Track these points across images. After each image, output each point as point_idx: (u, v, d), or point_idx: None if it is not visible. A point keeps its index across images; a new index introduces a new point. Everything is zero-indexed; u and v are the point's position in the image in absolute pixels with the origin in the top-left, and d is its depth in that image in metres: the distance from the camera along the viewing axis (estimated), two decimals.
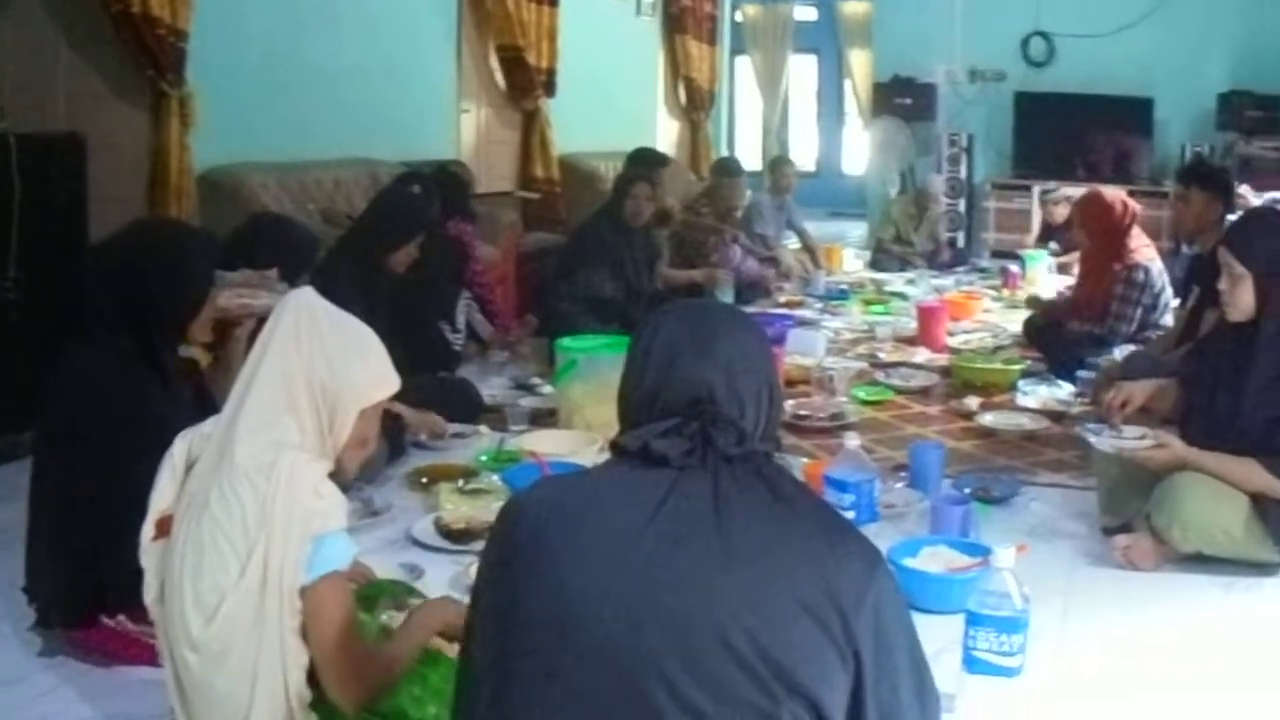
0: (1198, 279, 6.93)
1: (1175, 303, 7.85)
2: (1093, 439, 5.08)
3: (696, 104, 16.02)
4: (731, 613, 2.09)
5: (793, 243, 12.82)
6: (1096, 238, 8.18)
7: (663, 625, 2.09)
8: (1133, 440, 4.91)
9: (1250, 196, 11.29)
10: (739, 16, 20.58)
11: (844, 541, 2.21)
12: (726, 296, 9.63)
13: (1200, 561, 4.79)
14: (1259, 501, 4.66)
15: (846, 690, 2.15)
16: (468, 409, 6.72)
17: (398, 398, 3.29)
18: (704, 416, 2.23)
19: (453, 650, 3.07)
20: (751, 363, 2.32)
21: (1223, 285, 4.82)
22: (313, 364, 2.94)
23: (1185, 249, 7.88)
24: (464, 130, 11.35)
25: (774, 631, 2.09)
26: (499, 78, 11.76)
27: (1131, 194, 8.78)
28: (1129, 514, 5.08)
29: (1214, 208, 7.15)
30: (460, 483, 5.49)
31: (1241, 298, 4.76)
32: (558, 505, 2.23)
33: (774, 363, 2.43)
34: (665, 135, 15.45)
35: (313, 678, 2.90)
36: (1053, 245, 12.30)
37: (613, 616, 2.11)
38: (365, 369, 3.03)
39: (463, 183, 8.90)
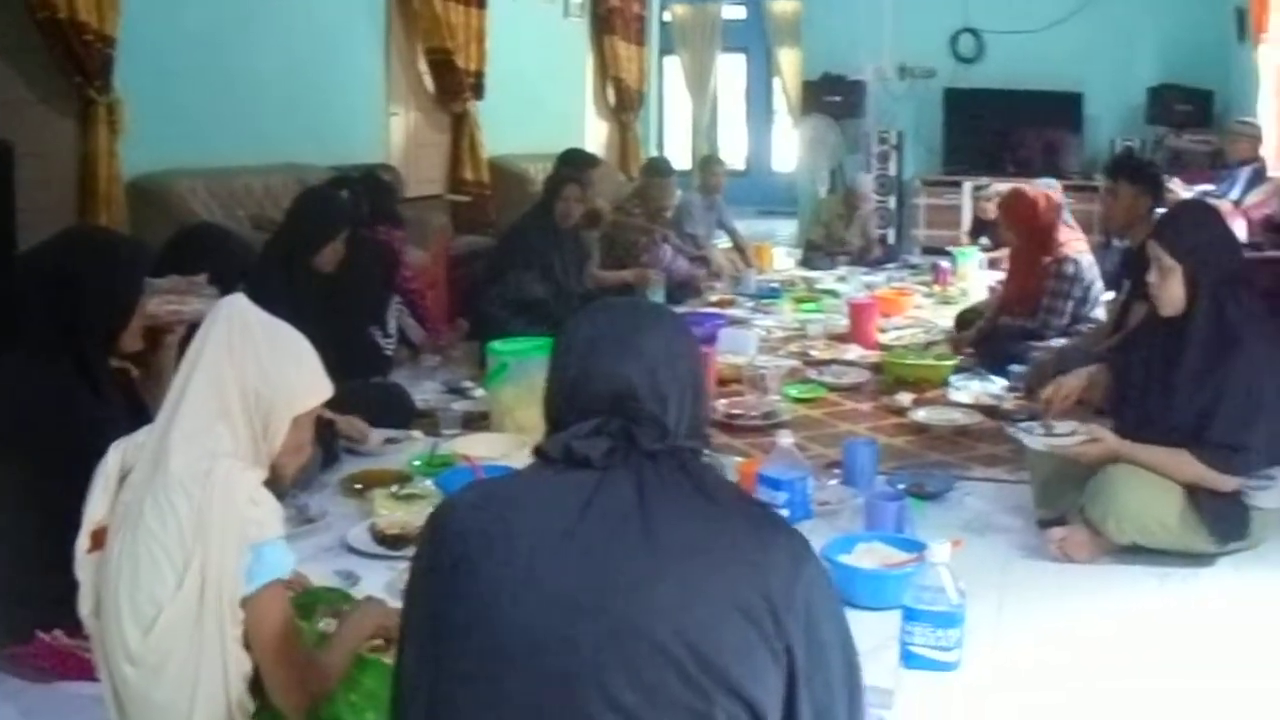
0: (1129, 272, 6.99)
1: (1108, 296, 7.91)
2: (1025, 438, 5.11)
3: (625, 104, 16.00)
4: (663, 615, 2.09)
5: (723, 242, 12.84)
6: (1023, 234, 8.27)
7: (594, 630, 2.09)
8: (1065, 437, 4.95)
9: (1180, 190, 11.39)
10: (667, 16, 20.56)
11: (772, 537, 2.22)
12: (658, 296, 9.63)
13: (1135, 553, 4.83)
14: (1193, 492, 4.71)
15: (781, 687, 2.16)
16: (400, 414, 6.70)
17: (330, 404, 3.28)
18: (625, 413, 2.24)
19: (388, 654, 3.08)
20: (675, 359, 2.32)
21: (1152, 279, 4.86)
22: (246, 371, 2.93)
23: (1116, 243, 7.93)
24: (393, 134, 11.28)
25: (706, 631, 2.10)
26: (428, 81, 11.69)
27: (1062, 189, 8.88)
28: (1064, 507, 5.10)
29: (1143, 201, 7.19)
30: (394, 488, 5.47)
31: (1172, 291, 4.80)
32: (484, 513, 2.23)
33: (700, 360, 2.43)
34: (594, 136, 15.43)
35: (254, 687, 2.89)
36: (984, 240, 12.38)
37: (544, 624, 2.11)
38: (299, 375, 3.03)
39: (389, 188, 8.85)
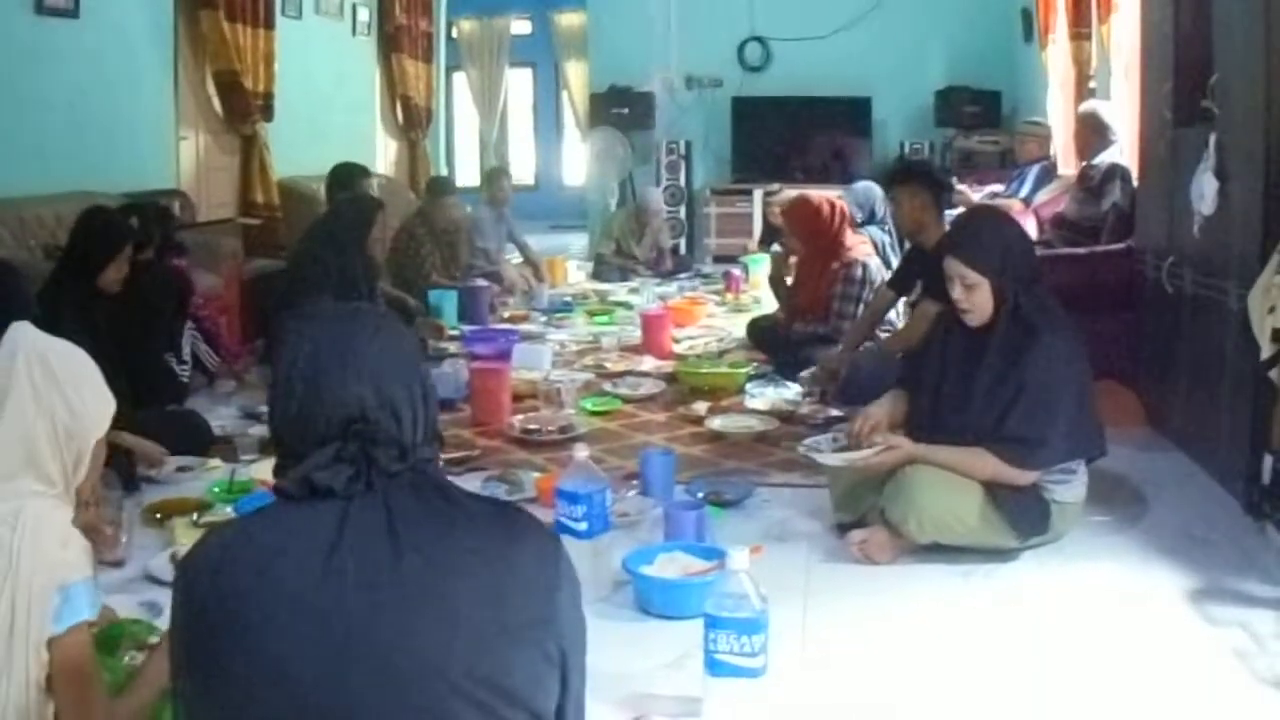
0: (919, 272, 7.10)
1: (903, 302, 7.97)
2: (818, 457, 5.15)
3: (414, 122, 15.94)
4: (434, 645, 2.08)
5: (515, 257, 12.82)
6: (809, 241, 8.33)
7: (367, 672, 2.06)
8: (860, 450, 5.00)
9: (969, 192, 11.57)
10: (454, 33, 20.53)
11: (526, 541, 2.23)
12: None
13: (937, 551, 4.88)
14: (991, 489, 4.78)
15: (557, 689, 2.20)
16: (197, 441, 6.57)
17: (127, 431, 3.24)
18: (361, 436, 2.19)
19: None
20: (400, 367, 2.28)
21: (957, 295, 4.90)
22: (54, 412, 2.88)
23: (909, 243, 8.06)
24: (183, 158, 11.07)
25: (481, 653, 2.09)
26: (216, 103, 11.52)
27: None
28: (863, 509, 5.14)
29: (923, 200, 7.28)
30: (194, 516, 5.34)
31: (979, 304, 4.87)
32: (234, 564, 2.14)
33: (421, 359, 2.39)
34: (384, 155, 15.34)
35: None
36: (775, 247, 12.43)
37: (314, 675, 2.07)
38: (98, 399, 2.98)
39: (168, 215, 8.70)
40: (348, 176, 10.54)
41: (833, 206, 8.25)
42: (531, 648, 2.14)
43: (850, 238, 8.23)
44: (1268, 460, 4.89)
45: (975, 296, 4.86)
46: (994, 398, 4.78)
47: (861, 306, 7.95)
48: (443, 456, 6.09)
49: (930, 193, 7.31)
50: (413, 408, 2.25)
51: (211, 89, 11.49)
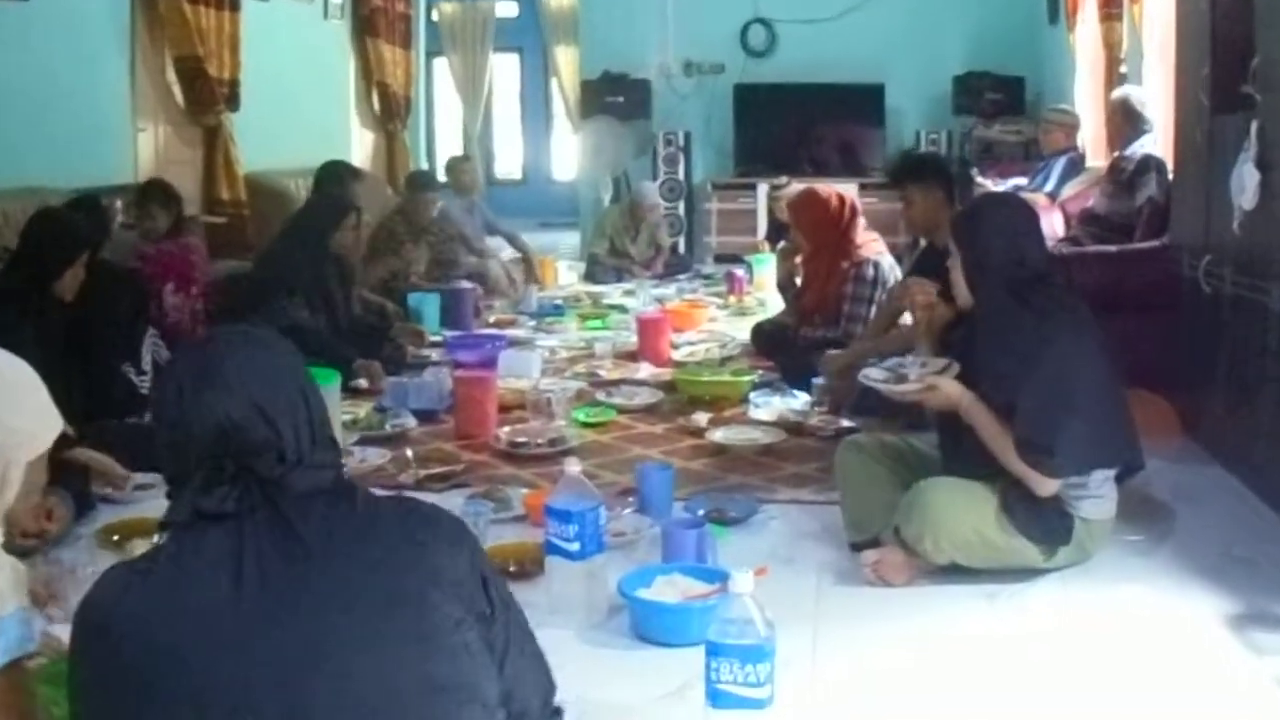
0: (929, 271, 7.09)
1: None
2: (867, 377, 5.19)
3: (392, 112, 15.91)
4: (373, 660, 2.12)
5: (505, 251, 12.85)
6: (817, 238, 8.33)
7: (291, 698, 2.09)
8: (909, 383, 5.01)
9: (990, 186, 11.54)
10: (435, 15, 20.50)
11: (437, 532, 2.31)
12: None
13: (957, 572, 4.85)
14: (1005, 499, 4.76)
15: (494, 664, 2.32)
16: (158, 457, 6.55)
17: (83, 445, 3.21)
18: (234, 448, 2.22)
19: None
20: (271, 374, 2.32)
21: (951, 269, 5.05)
22: None
23: (923, 242, 8.03)
24: (142, 151, 11.04)
25: (423, 659, 2.16)
26: (177, 92, 11.48)
27: (864, 188, 8.97)
28: (876, 527, 5.12)
29: (936, 198, 7.30)
30: (156, 538, 5.34)
31: (957, 279, 5.02)
32: (139, 604, 2.16)
33: (300, 364, 2.44)
34: (360, 147, 15.29)
35: None
36: (784, 244, 12.39)
37: (234, 705, 2.09)
38: (36, 414, 2.87)
39: (100, 213, 8.67)
40: (335, 175, 10.57)
41: (842, 200, 8.26)
42: (457, 642, 2.21)
43: (861, 234, 8.23)
44: None
45: (954, 272, 5.02)
46: (994, 391, 4.79)
47: (874, 308, 7.95)
48: (423, 472, 6.18)
49: (944, 189, 7.32)
50: (293, 413, 2.30)
51: (172, 76, 11.45)
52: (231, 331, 2.44)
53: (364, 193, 10.82)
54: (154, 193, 9.51)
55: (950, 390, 4.88)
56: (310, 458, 2.27)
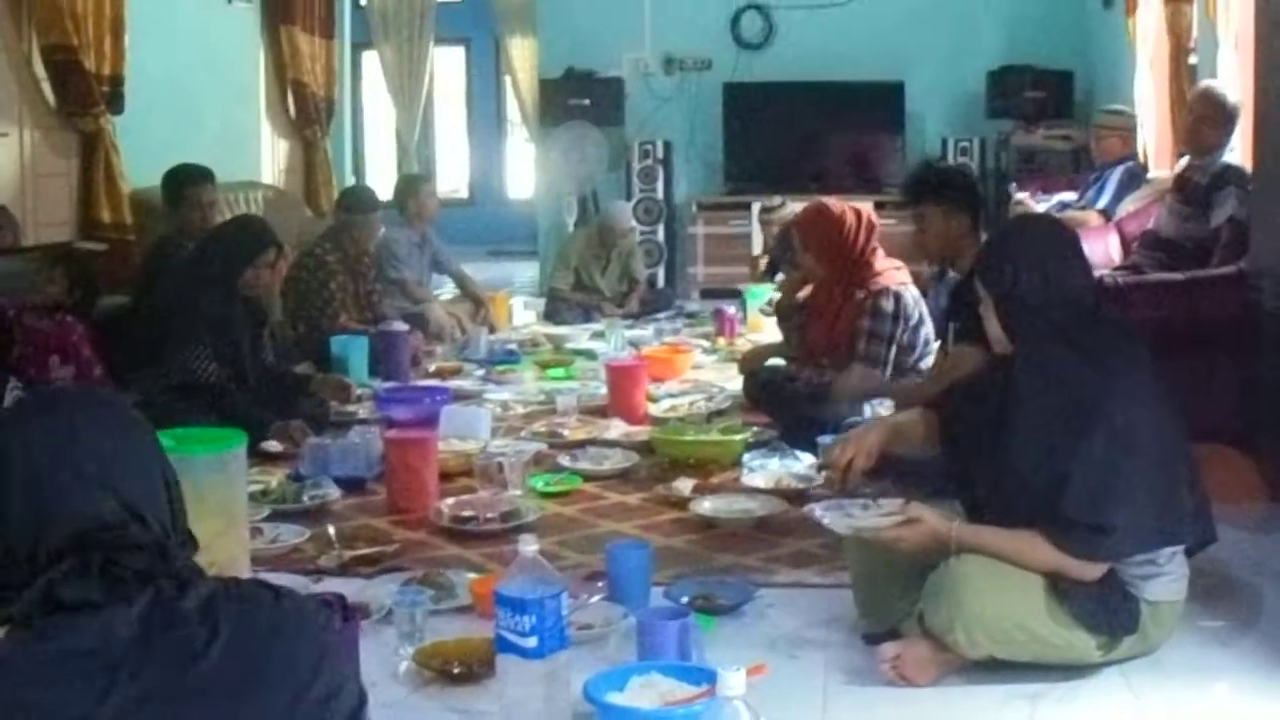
0: (956, 309, 7.08)
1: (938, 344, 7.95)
2: (826, 518, 5.11)
3: (310, 116, 15.91)
4: None
5: (443, 292, 12.84)
6: (828, 261, 8.32)
7: None
8: (879, 516, 4.98)
9: (1031, 202, 11.54)
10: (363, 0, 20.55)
11: (302, 640, 2.37)
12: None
13: (994, 668, 4.81)
14: (1056, 581, 4.72)
15: None
16: None
17: None
18: (101, 546, 2.23)
19: None
20: (132, 458, 2.35)
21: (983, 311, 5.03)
22: None
23: (952, 273, 8.02)
24: (2, 162, 11.00)
25: None
26: (47, 90, 11.41)
27: (879, 207, 8.96)
28: (896, 615, 5.11)
29: (958, 221, 7.34)
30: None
31: (991, 325, 5.02)
32: None
33: (154, 439, 2.44)
34: (273, 158, 15.29)
35: None
36: (780, 277, 12.40)
37: None
38: None
39: None
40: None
41: (859, 217, 8.27)
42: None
43: (881, 260, 8.23)
44: None
45: (987, 316, 5.04)
46: (1031, 464, 4.77)
47: (894, 349, 7.96)
48: (348, 554, 6.16)
49: (969, 213, 7.36)
50: (156, 502, 2.35)
51: (40, 70, 11.37)
52: (90, 396, 2.45)
53: (269, 208, 10.81)
54: None
55: (935, 524, 4.87)
56: (179, 551, 2.27)
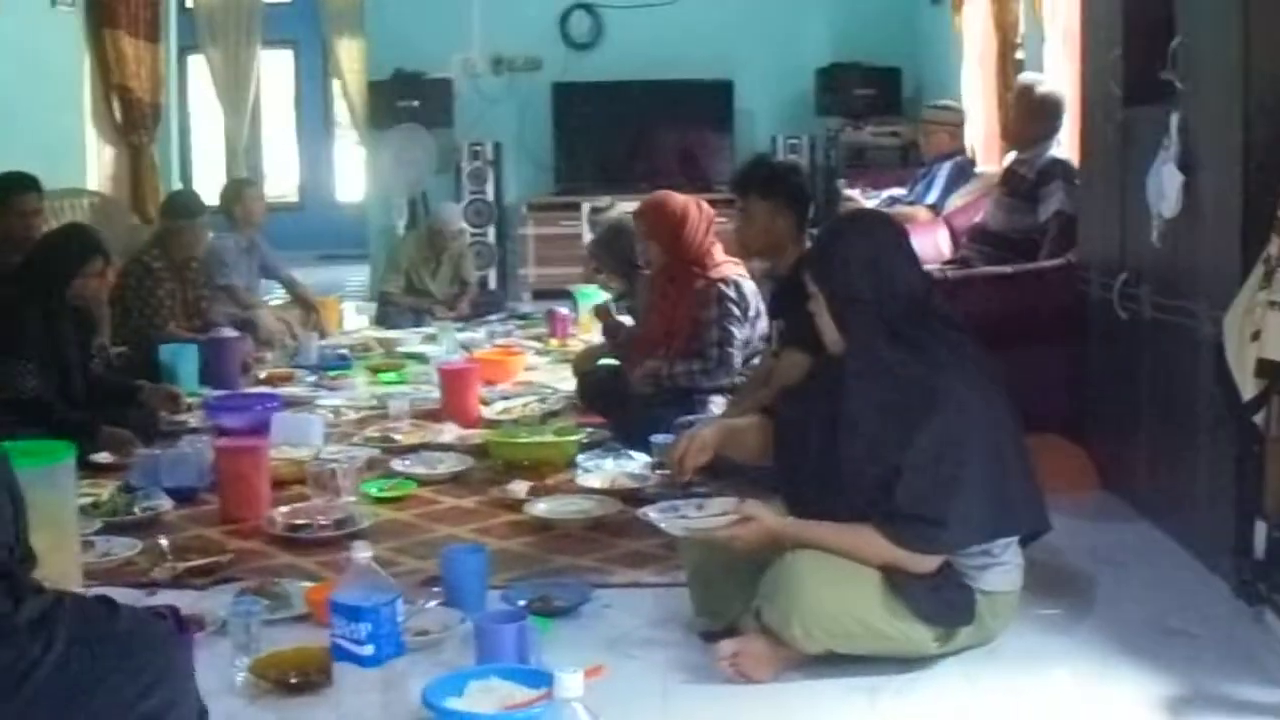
0: (781, 308, 7.10)
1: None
2: (660, 521, 5.12)
3: (136, 121, 15.63)
4: None
5: (274, 297, 12.76)
6: (669, 251, 8.30)
7: None
8: (712, 517, 4.98)
9: (859, 198, 11.61)
10: (189, 2, 20.34)
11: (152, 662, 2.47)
12: None
13: (833, 662, 4.84)
14: (890, 573, 4.75)
15: None
16: None
17: None
18: None
19: None
20: None
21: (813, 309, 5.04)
22: None
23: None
24: None
25: None
26: None
27: (710, 205, 8.96)
28: (733, 612, 5.12)
29: (783, 218, 7.32)
30: None
31: (824, 323, 5.02)
32: None
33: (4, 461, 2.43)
34: (98, 165, 15.08)
35: None
36: (601, 288, 12.34)
37: None
38: None
39: None
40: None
41: (700, 209, 8.28)
42: None
43: (719, 253, 8.24)
44: (1260, 527, 4.94)
45: (819, 314, 5.04)
46: (864, 458, 4.79)
47: (739, 335, 7.97)
48: (181, 565, 6.10)
49: (795, 212, 7.35)
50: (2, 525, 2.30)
51: None
52: None
53: (95, 215, 10.68)
54: None
55: (770, 521, 4.90)
56: (16, 568, 2.26)
